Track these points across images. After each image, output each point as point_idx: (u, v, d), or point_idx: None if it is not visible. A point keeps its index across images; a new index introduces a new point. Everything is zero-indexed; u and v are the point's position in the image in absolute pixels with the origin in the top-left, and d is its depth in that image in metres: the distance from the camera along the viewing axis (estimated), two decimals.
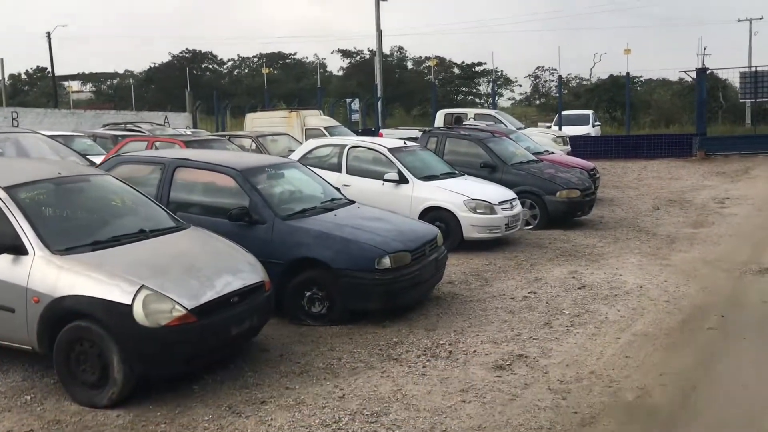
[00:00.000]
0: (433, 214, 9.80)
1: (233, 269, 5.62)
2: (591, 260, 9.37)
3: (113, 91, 64.20)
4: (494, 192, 10.38)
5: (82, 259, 5.11)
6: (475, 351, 5.97)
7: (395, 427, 4.61)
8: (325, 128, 18.85)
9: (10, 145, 11.17)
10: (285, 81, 56.64)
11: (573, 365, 5.66)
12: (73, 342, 4.94)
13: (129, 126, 18.81)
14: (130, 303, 4.79)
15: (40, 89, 60.80)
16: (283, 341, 6.24)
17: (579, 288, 7.92)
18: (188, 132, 19.81)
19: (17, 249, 5.11)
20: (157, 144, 12.40)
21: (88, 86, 66.23)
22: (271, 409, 4.89)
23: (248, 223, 6.87)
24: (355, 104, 35.19)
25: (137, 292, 4.84)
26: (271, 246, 6.74)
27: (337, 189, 8.33)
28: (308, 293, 6.69)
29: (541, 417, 4.75)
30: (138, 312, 4.79)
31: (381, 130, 24.04)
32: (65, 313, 4.93)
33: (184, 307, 4.93)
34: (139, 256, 5.36)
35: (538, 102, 56.00)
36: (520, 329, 6.53)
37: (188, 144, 12.06)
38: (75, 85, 62.98)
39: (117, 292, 4.84)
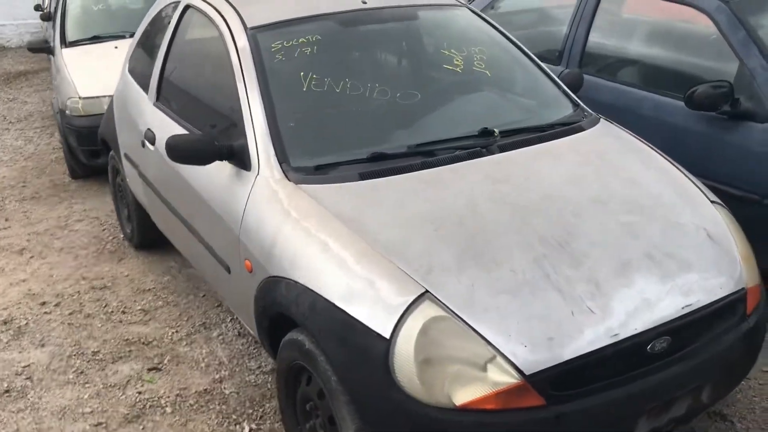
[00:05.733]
0: None
1: (664, 254, 2.23)
2: None
3: None
4: None
5: (332, 198, 2.36)
6: None
7: None
8: None
9: None
10: None
11: None
12: (296, 370, 2.39)
13: None
14: (388, 336, 1.95)
15: None
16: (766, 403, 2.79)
17: None
18: None
19: (238, 157, 2.63)
20: None
21: None
22: None
23: (728, 115, 3.29)
24: None
25: (409, 307, 1.96)
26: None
27: None
28: None
29: None
30: (405, 360, 1.91)
31: None
32: (280, 311, 2.35)
33: (518, 369, 1.89)
34: (451, 202, 2.35)
35: None
36: None
37: None
38: None
39: (367, 302, 2.03)
